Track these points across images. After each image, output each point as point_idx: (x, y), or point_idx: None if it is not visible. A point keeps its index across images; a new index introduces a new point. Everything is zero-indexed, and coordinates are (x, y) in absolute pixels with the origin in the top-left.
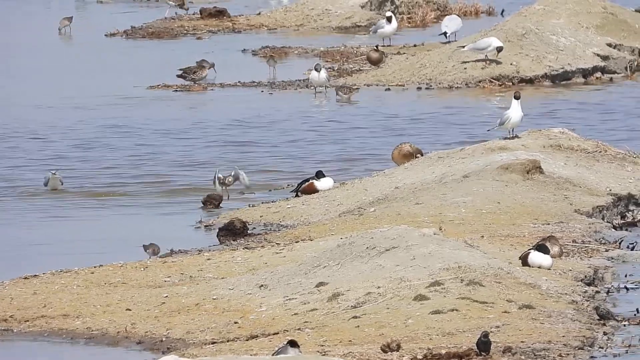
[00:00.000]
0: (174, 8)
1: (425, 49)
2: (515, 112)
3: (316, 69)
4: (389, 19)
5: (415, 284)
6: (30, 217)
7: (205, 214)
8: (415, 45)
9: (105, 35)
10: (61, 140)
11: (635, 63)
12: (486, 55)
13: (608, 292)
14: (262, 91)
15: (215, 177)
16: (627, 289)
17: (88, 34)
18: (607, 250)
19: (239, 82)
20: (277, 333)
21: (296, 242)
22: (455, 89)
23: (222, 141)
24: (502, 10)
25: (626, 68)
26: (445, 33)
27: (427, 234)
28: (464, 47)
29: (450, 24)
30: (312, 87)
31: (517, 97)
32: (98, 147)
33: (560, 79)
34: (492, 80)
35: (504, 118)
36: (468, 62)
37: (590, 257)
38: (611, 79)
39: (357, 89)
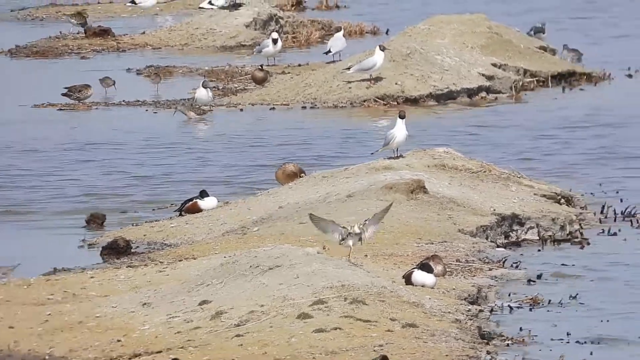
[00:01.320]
0: (76, 27)
1: (310, 68)
2: (399, 131)
3: (204, 86)
4: (274, 41)
5: (298, 303)
6: None
7: (88, 233)
8: (300, 65)
9: None
10: None
11: (520, 83)
12: (371, 75)
13: (491, 311)
14: (146, 110)
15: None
16: (510, 308)
17: None
18: (490, 270)
19: (123, 101)
20: (161, 351)
21: (180, 260)
22: (340, 108)
23: (101, 160)
24: (387, 30)
25: (511, 88)
26: (329, 51)
27: (311, 252)
28: (349, 69)
29: (335, 43)
30: (198, 105)
31: (401, 117)
32: None
33: (445, 98)
34: (377, 99)
35: (388, 137)
36: (353, 81)
37: (474, 276)
38: (496, 98)
39: (211, 110)
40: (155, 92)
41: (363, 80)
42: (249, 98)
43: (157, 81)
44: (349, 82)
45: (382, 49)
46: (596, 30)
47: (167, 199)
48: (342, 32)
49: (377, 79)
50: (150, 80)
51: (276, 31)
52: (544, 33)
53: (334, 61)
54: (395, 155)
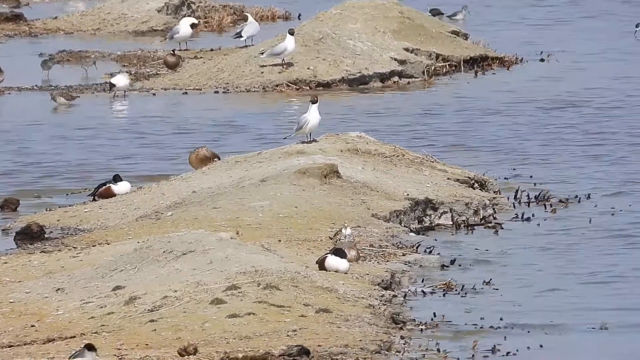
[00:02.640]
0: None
1: (223, 53)
2: (313, 116)
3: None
4: (192, 25)
5: (212, 288)
6: None
7: (2, 218)
8: (212, 50)
9: None
10: None
11: (433, 67)
12: (283, 60)
13: (405, 296)
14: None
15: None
16: (424, 293)
17: None
18: (404, 255)
19: (35, 86)
20: (74, 336)
21: (93, 246)
22: (253, 93)
23: (11, 144)
24: (299, 15)
25: (423, 72)
26: (239, 34)
27: (224, 238)
28: (262, 53)
29: (247, 28)
30: (112, 92)
31: (314, 102)
32: None
33: (358, 83)
34: (289, 84)
35: (302, 122)
36: (265, 66)
37: (388, 261)
38: (409, 82)
39: (78, 96)
40: (69, 77)
41: (275, 65)
42: (161, 83)
43: (47, 68)
44: (262, 66)
45: (292, 33)
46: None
47: (78, 186)
48: (250, 17)
49: (289, 64)
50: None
51: (188, 16)
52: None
53: (246, 46)
54: (309, 140)
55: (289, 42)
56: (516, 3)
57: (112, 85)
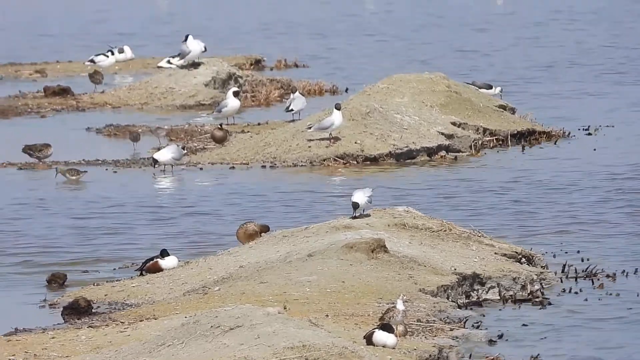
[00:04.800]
0: (92, 83)
1: (270, 127)
2: (337, 118)
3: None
4: (235, 93)
5: None
6: None
7: (50, 292)
8: (259, 124)
9: None
10: None
11: (480, 141)
12: (330, 134)
13: None
14: (106, 169)
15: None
16: None
17: None
18: (451, 330)
19: (83, 160)
20: None
21: (141, 320)
22: (300, 167)
23: (68, 217)
24: (346, 89)
25: (471, 146)
26: (289, 108)
27: (272, 313)
28: (310, 127)
29: (295, 102)
30: (158, 165)
31: (338, 108)
32: None
33: (405, 157)
34: (336, 158)
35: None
36: (312, 140)
37: (435, 336)
38: (456, 157)
39: (85, 171)
40: (117, 150)
41: (322, 139)
42: (208, 157)
43: (159, 135)
44: (309, 140)
45: (339, 107)
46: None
47: (129, 257)
48: (298, 92)
49: (336, 138)
50: (153, 133)
51: (236, 87)
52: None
53: (293, 120)
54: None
55: (336, 117)
56: (563, 76)
57: (155, 161)
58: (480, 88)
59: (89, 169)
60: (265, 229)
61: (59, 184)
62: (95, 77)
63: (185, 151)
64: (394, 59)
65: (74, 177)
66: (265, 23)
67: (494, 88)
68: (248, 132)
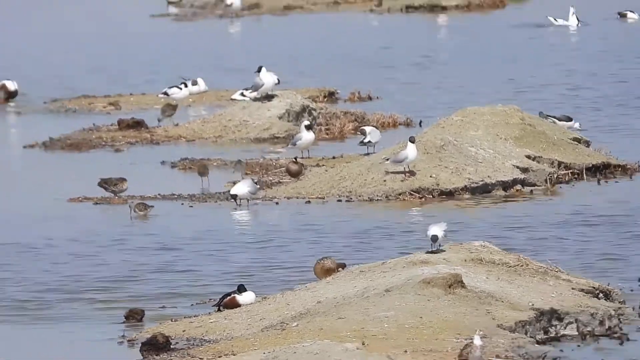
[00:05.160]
0: (163, 118)
1: (345, 160)
2: (411, 151)
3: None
4: (307, 127)
5: None
6: None
7: (127, 329)
8: (334, 157)
9: (24, 147)
10: None
11: (555, 175)
12: (405, 168)
13: None
14: (182, 204)
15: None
16: None
17: (5, 146)
18: None
19: (158, 194)
20: None
21: (219, 357)
22: (376, 202)
23: (144, 252)
24: (420, 122)
25: (546, 180)
26: (364, 141)
27: (350, 348)
28: (387, 159)
29: (372, 134)
30: (234, 199)
31: (412, 141)
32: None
33: (480, 191)
34: (412, 192)
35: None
36: (388, 174)
37: None
38: (531, 191)
39: (152, 206)
40: (192, 184)
41: (398, 173)
42: (284, 191)
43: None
44: (385, 174)
45: (413, 140)
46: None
47: (206, 294)
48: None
49: (412, 172)
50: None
51: (308, 120)
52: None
53: (368, 153)
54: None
55: (410, 150)
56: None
57: (234, 196)
58: (559, 120)
59: (164, 204)
60: (342, 265)
61: (134, 218)
62: (167, 110)
63: (258, 185)
64: (466, 92)
65: (142, 212)
66: (338, 55)
67: (573, 121)
68: (323, 165)
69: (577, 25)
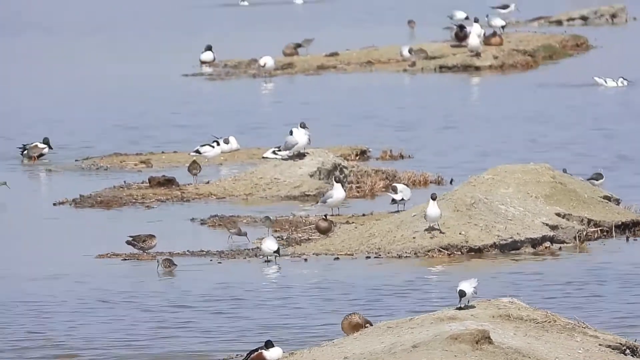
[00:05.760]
0: (192, 176)
1: (374, 218)
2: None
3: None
4: (337, 180)
5: None
6: None
7: None
8: (364, 215)
9: (54, 204)
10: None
11: (585, 232)
12: (436, 224)
13: None
14: (210, 260)
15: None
16: None
17: (36, 203)
18: None
19: (187, 251)
20: None
21: None
22: (405, 259)
23: (172, 308)
24: (451, 180)
25: (575, 238)
26: (395, 198)
27: None
28: (414, 215)
29: (404, 192)
30: (262, 256)
31: (433, 198)
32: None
33: (509, 248)
34: (440, 249)
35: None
36: (417, 231)
37: None
38: (560, 248)
39: (175, 265)
40: (220, 241)
41: (427, 229)
42: (313, 248)
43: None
44: (413, 231)
45: (434, 197)
46: None
47: (233, 349)
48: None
49: (440, 230)
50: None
51: (339, 180)
52: (597, 180)
53: (398, 211)
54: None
55: (431, 207)
56: None
57: (265, 252)
58: (590, 179)
59: (193, 260)
60: (369, 322)
61: (161, 274)
62: (193, 167)
63: (282, 243)
64: (498, 150)
65: (167, 269)
66: (370, 114)
67: (604, 178)
68: (353, 222)
69: (625, 84)
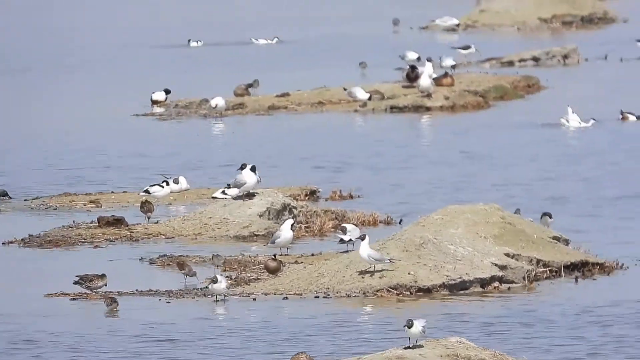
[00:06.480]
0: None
1: (323, 258)
2: (363, 250)
3: (213, 280)
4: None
5: None
6: None
7: None
8: (313, 255)
9: (3, 243)
10: None
11: (534, 273)
12: (373, 265)
13: None
14: (159, 300)
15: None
16: None
17: None
18: None
19: (136, 290)
20: None
21: None
22: (354, 298)
23: (119, 349)
24: (400, 220)
25: (524, 278)
26: (343, 239)
27: None
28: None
29: (353, 232)
30: (211, 296)
31: (362, 239)
32: None
33: (458, 288)
34: (389, 289)
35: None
36: (366, 271)
37: None
38: (509, 288)
39: (117, 303)
40: (169, 281)
41: (376, 270)
42: (262, 287)
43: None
44: (362, 271)
45: (363, 238)
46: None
47: None
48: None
49: (390, 270)
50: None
51: (293, 221)
52: (550, 218)
53: (347, 251)
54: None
55: (363, 247)
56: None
57: (211, 291)
58: (543, 215)
59: (142, 300)
60: None
61: (108, 314)
62: (147, 208)
63: (229, 281)
64: (448, 190)
65: (109, 307)
66: (320, 154)
67: (552, 217)
68: (302, 262)
69: (586, 125)
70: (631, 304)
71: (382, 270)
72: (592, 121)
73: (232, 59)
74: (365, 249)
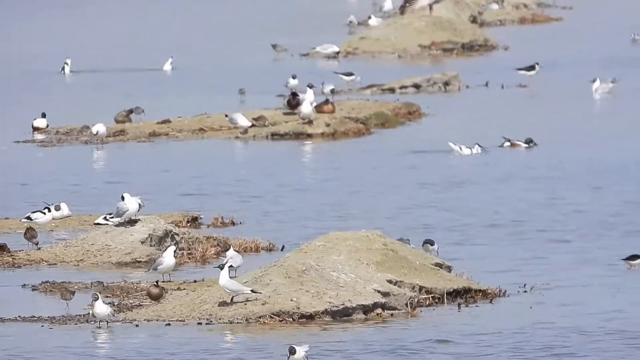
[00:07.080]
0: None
1: (206, 284)
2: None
3: (94, 298)
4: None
5: None
6: None
7: None
8: (195, 281)
9: None
10: None
11: (416, 299)
12: (251, 291)
13: None
14: (42, 326)
15: None
16: None
17: None
18: None
19: (19, 316)
20: None
21: None
22: (236, 324)
23: None
24: (282, 247)
25: (407, 304)
26: (223, 265)
27: None
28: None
29: (234, 259)
30: (94, 322)
31: (221, 268)
32: None
33: (341, 315)
34: (272, 316)
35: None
36: (250, 301)
37: None
38: (392, 314)
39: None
40: (52, 307)
41: (258, 300)
42: (144, 314)
43: (69, 298)
44: (246, 301)
45: (222, 267)
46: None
47: None
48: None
49: (273, 298)
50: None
51: (175, 248)
52: (432, 245)
53: (231, 277)
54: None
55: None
56: (505, 235)
57: (94, 316)
58: (425, 243)
59: (24, 326)
60: None
61: None
62: (31, 235)
63: (114, 308)
64: (332, 217)
65: None
66: (201, 180)
67: (434, 244)
68: (184, 289)
69: (479, 151)
70: (510, 334)
71: (265, 297)
72: (477, 146)
73: (112, 85)
74: (222, 279)
